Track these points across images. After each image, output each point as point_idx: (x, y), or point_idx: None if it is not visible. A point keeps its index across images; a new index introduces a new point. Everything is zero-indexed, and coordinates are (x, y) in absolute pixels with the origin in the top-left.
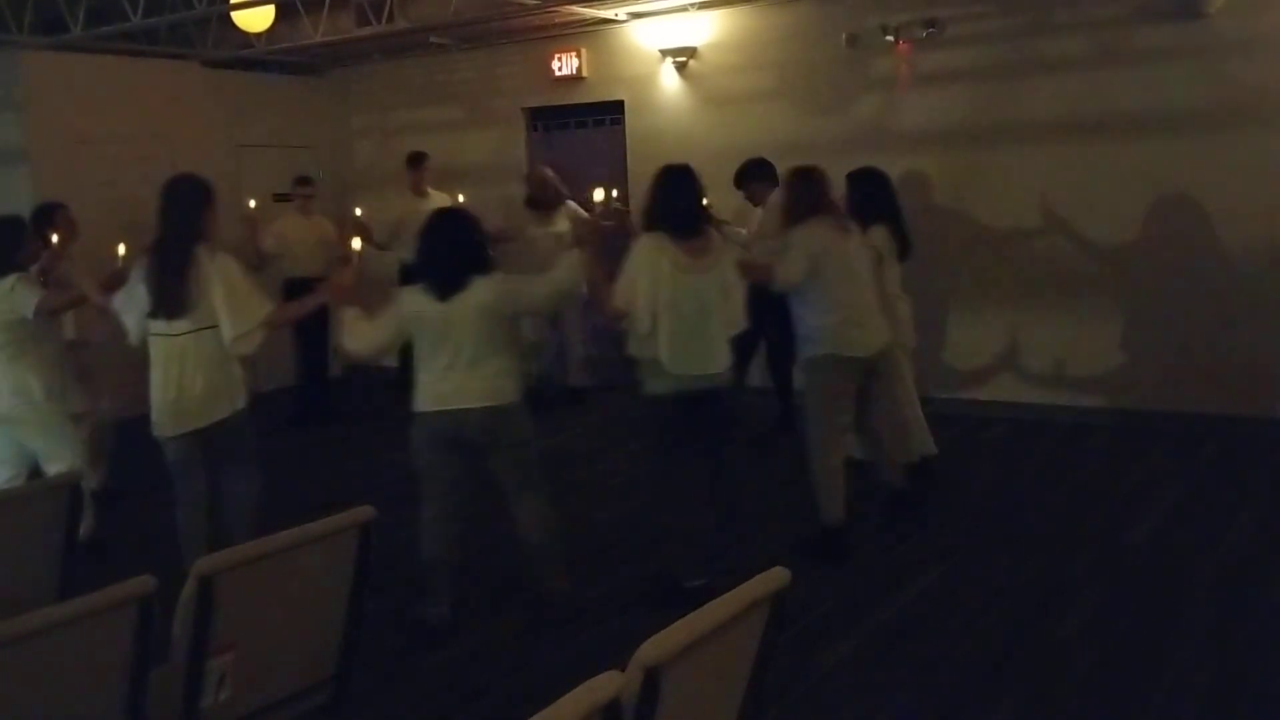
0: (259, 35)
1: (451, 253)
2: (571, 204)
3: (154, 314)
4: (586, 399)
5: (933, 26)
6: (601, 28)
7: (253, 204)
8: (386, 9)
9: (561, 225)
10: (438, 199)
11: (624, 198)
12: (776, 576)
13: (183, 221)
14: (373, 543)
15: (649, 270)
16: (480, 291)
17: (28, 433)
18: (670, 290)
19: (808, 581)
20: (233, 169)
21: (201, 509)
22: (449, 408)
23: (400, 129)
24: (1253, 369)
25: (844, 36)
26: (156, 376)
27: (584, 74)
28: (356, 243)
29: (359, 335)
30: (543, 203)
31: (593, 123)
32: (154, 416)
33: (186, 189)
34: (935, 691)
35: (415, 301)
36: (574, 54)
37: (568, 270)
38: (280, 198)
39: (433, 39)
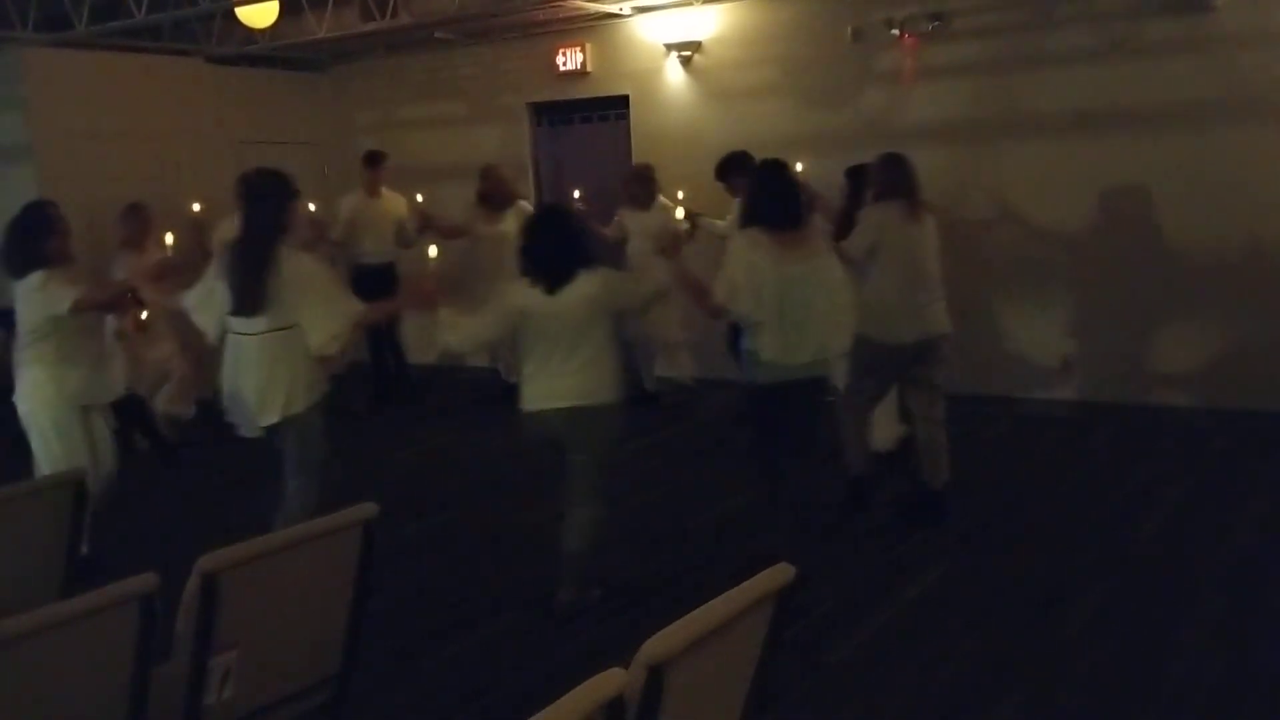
0: (263, 31)
1: (559, 247)
2: (523, 203)
3: (233, 311)
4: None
5: (938, 20)
6: (606, 22)
7: (197, 207)
8: (390, 4)
9: (510, 225)
10: (391, 200)
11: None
12: (780, 573)
13: (265, 217)
14: (376, 540)
15: (745, 266)
16: (585, 285)
17: (39, 435)
18: (772, 283)
19: (812, 578)
20: (236, 165)
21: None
22: (543, 408)
23: (404, 124)
24: (1260, 363)
25: (849, 30)
26: (229, 373)
27: (588, 69)
28: (433, 250)
29: (462, 331)
30: (495, 201)
31: (597, 118)
32: (228, 410)
33: (267, 183)
34: (939, 689)
35: (523, 295)
36: (578, 49)
37: (655, 275)
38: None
39: (437, 34)
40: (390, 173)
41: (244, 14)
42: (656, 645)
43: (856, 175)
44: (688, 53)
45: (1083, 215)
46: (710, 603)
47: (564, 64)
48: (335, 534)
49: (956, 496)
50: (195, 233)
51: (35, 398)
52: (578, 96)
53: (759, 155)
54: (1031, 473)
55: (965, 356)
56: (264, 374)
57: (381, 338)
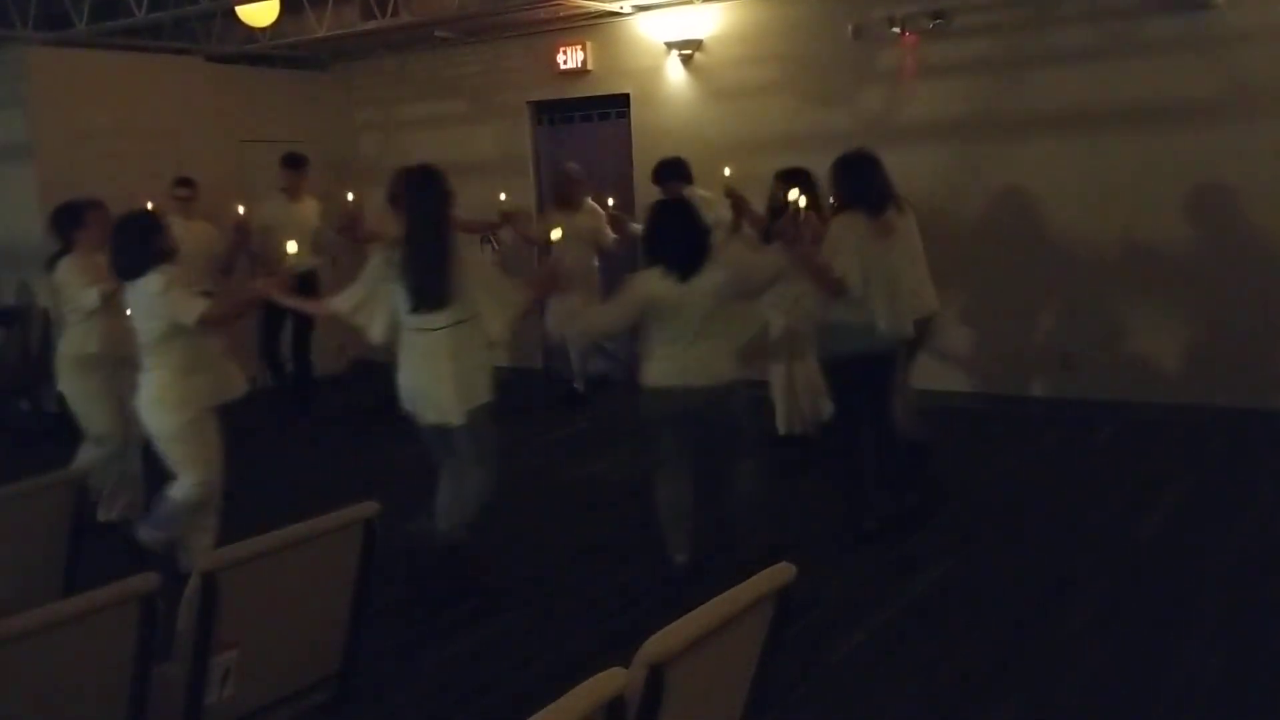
0: (263, 30)
1: (692, 238)
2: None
3: (415, 309)
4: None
5: (939, 18)
6: (607, 20)
7: (241, 210)
8: (391, 3)
9: None
10: (310, 205)
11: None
12: (781, 572)
13: (436, 213)
14: (377, 538)
15: (853, 244)
16: (713, 274)
17: (158, 440)
18: (868, 260)
19: (812, 577)
20: (236, 164)
21: (485, 487)
22: (677, 384)
23: (405, 123)
24: (1261, 361)
25: (850, 28)
26: (410, 369)
27: (589, 67)
28: (557, 233)
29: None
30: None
31: (598, 116)
32: (406, 402)
33: (433, 179)
34: (940, 688)
35: (656, 284)
36: (579, 47)
37: (775, 258)
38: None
39: (437, 33)
40: (311, 177)
41: (244, 12)
42: (657, 645)
43: (791, 179)
44: (688, 51)
45: (1084, 213)
46: (711, 602)
47: (564, 62)
48: (336, 533)
49: (957, 496)
50: (242, 234)
51: (164, 404)
52: (578, 95)
53: (761, 154)
54: (1032, 472)
55: (968, 354)
56: (454, 366)
57: (299, 343)
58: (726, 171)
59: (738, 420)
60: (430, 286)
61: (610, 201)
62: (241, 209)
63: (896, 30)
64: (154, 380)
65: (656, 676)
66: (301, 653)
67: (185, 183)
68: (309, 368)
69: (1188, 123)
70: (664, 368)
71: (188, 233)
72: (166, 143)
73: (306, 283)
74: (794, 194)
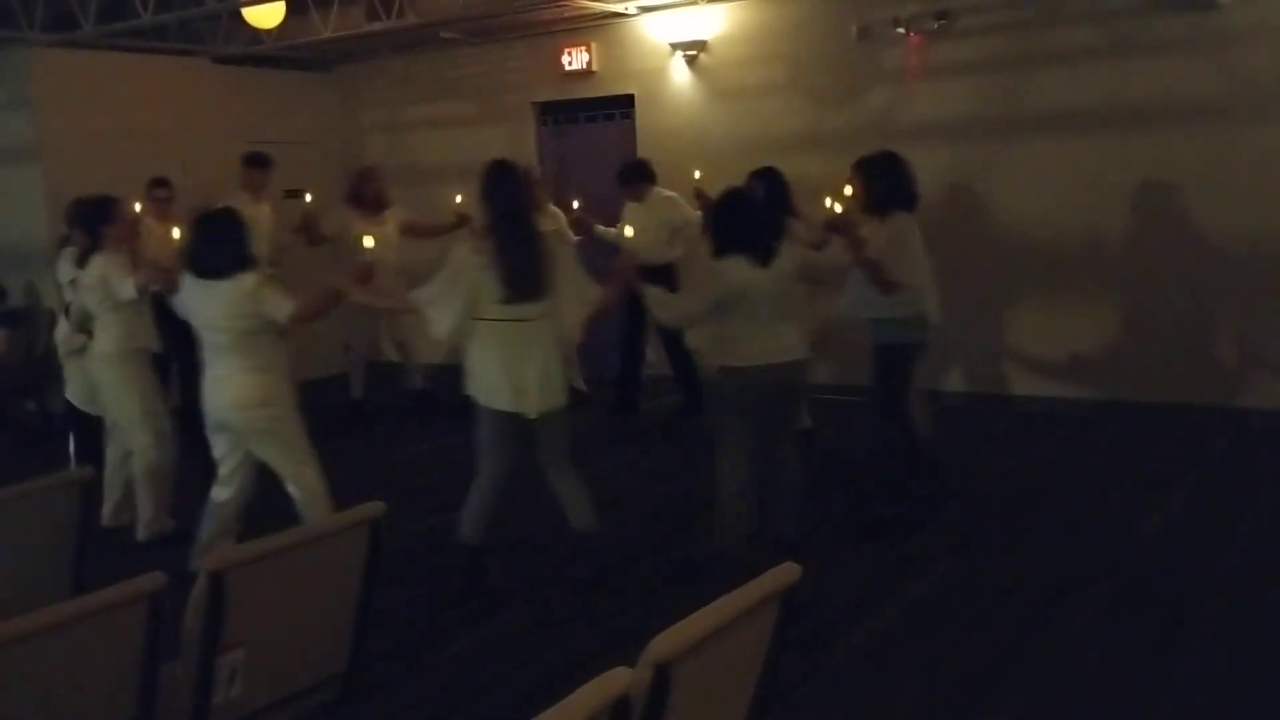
0: (269, 31)
1: (768, 222)
2: (398, 209)
3: (510, 299)
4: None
5: (944, 18)
6: (611, 21)
7: (309, 198)
8: (396, 4)
9: (389, 228)
10: (266, 208)
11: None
12: (787, 572)
13: (518, 204)
14: (382, 538)
15: (913, 243)
16: (788, 257)
17: (260, 443)
18: (917, 256)
19: (817, 577)
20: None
21: (498, 492)
22: (762, 362)
23: (410, 124)
24: (1265, 361)
25: (855, 29)
26: (497, 360)
27: (594, 68)
28: (629, 230)
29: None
30: (371, 203)
31: (603, 117)
32: (483, 388)
33: (510, 172)
34: (944, 686)
35: (743, 272)
36: (584, 48)
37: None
38: (290, 195)
39: (443, 34)
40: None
41: (250, 14)
42: (663, 644)
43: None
44: (693, 52)
45: (1089, 213)
46: (716, 601)
47: (569, 63)
48: (341, 533)
49: (960, 496)
50: (311, 223)
51: (265, 402)
52: (583, 96)
53: (765, 154)
54: (1035, 471)
55: (970, 354)
56: (544, 357)
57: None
58: (697, 175)
59: (803, 396)
60: (529, 276)
61: (575, 204)
62: (309, 196)
63: (901, 31)
64: (241, 382)
65: (662, 676)
66: (307, 652)
67: (162, 183)
68: None
69: (1193, 122)
70: (748, 348)
71: (167, 234)
72: (172, 144)
73: None
74: (847, 190)
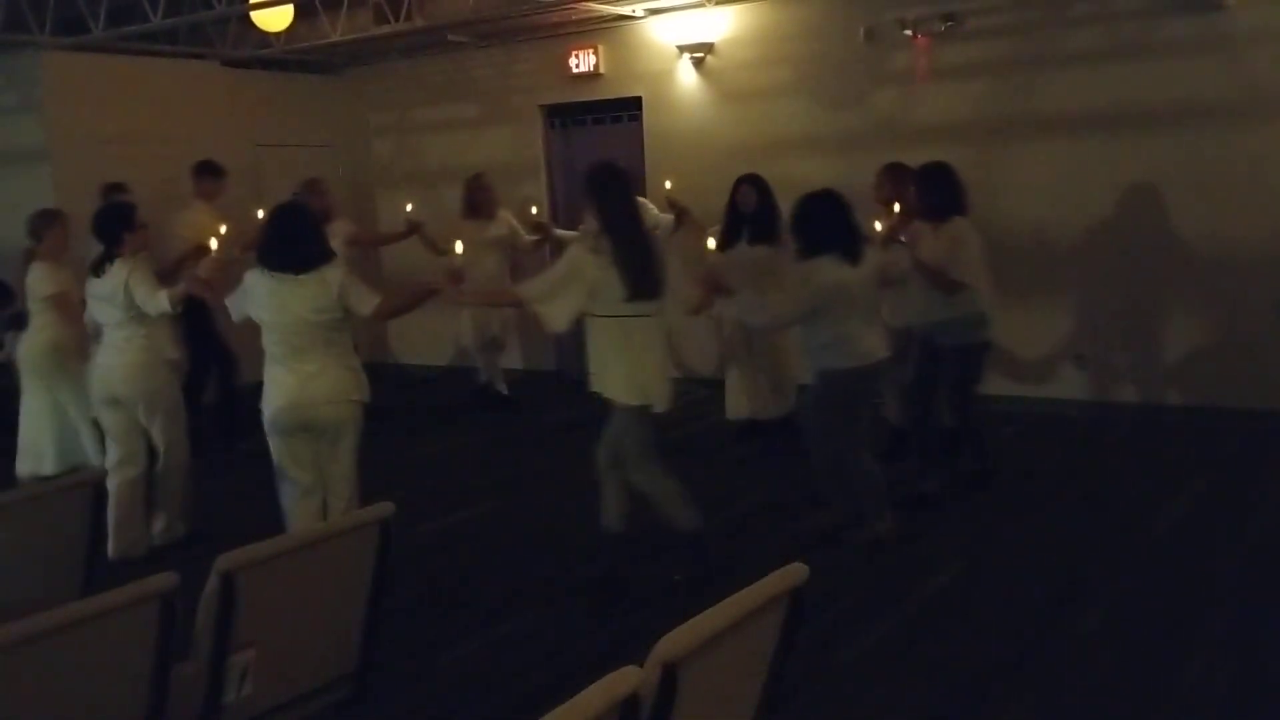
0: (278, 34)
1: (855, 222)
2: (344, 222)
3: (633, 297)
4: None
5: (951, 20)
6: (619, 24)
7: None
8: (404, 7)
9: (338, 240)
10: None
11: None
12: (794, 572)
13: (630, 204)
14: (392, 539)
15: (975, 247)
16: (872, 256)
17: (344, 436)
18: (978, 259)
19: (826, 577)
20: (252, 168)
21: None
22: (870, 362)
23: (418, 127)
24: (1275, 363)
25: (862, 31)
26: (624, 356)
27: (601, 70)
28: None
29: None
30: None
31: (610, 119)
32: (613, 385)
33: (619, 173)
34: (954, 687)
35: (837, 271)
36: (591, 50)
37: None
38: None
39: (450, 37)
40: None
41: (259, 18)
42: (671, 643)
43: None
44: (700, 54)
45: (1096, 214)
46: (724, 602)
47: (577, 66)
48: (352, 533)
49: (967, 496)
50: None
51: (355, 395)
52: (590, 98)
53: (772, 156)
54: (1043, 473)
55: None
56: (664, 351)
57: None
58: (668, 185)
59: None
60: (650, 274)
61: (534, 209)
62: (260, 212)
63: (908, 33)
64: (336, 375)
65: (670, 675)
66: (318, 652)
67: (119, 188)
68: None
69: (1200, 124)
70: (857, 348)
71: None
72: (182, 147)
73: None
74: (895, 208)
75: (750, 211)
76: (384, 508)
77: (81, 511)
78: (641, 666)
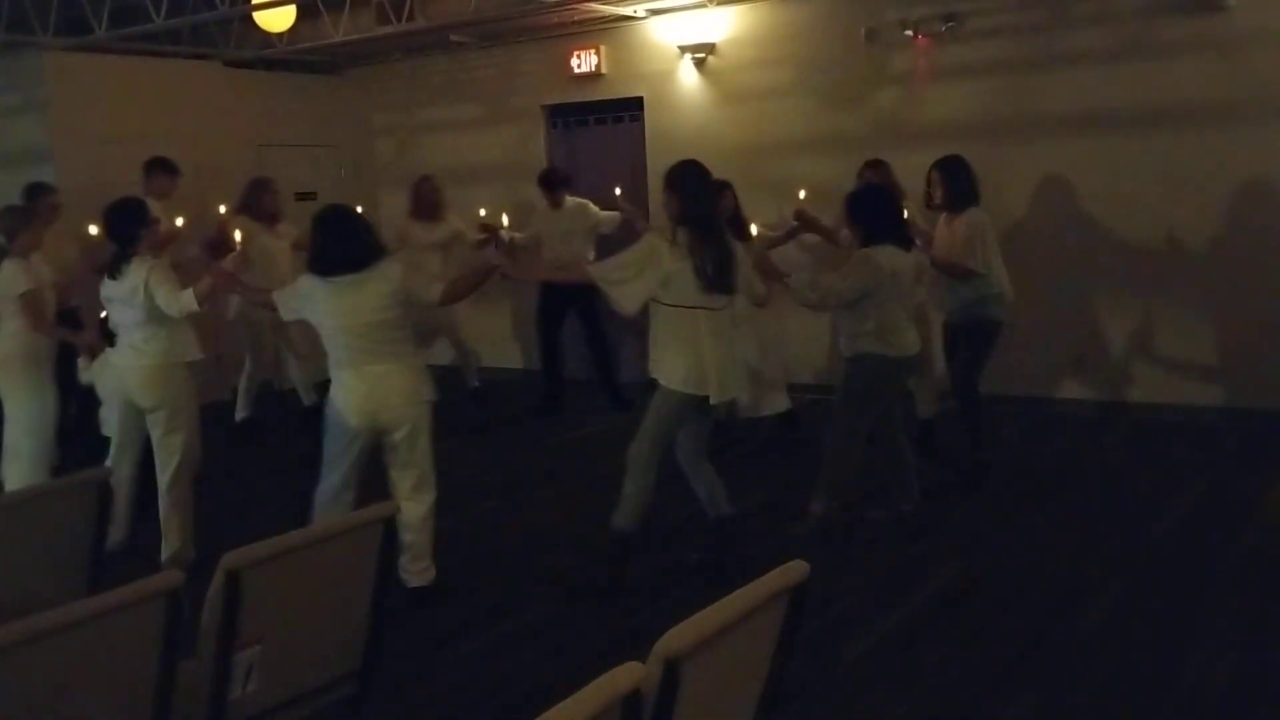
0: (280, 35)
1: (901, 212)
2: (289, 225)
3: (706, 290)
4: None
5: (952, 21)
6: (620, 24)
7: (483, 211)
8: (407, 8)
9: (285, 240)
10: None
11: (644, 194)
12: (796, 570)
13: (710, 200)
14: (397, 537)
15: (990, 234)
16: (914, 253)
17: (418, 435)
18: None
19: (827, 575)
20: (255, 168)
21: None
22: (908, 354)
23: (420, 127)
24: (1273, 362)
25: (863, 31)
26: (684, 345)
27: (603, 71)
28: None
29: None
30: (263, 215)
31: (612, 119)
32: (667, 371)
33: (700, 170)
34: (954, 686)
35: (894, 257)
36: (593, 51)
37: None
38: (302, 197)
39: (453, 37)
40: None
41: (262, 18)
42: (673, 640)
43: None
44: (702, 55)
45: (1095, 214)
46: (726, 598)
47: (578, 66)
48: (357, 531)
49: (971, 495)
50: (224, 235)
51: (426, 396)
52: (592, 99)
53: (773, 157)
54: (1045, 472)
55: None
56: (731, 346)
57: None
58: (618, 191)
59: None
60: (726, 271)
61: (482, 211)
62: (222, 208)
63: (909, 33)
64: (406, 374)
65: (672, 671)
66: (323, 649)
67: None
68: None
69: (1201, 124)
70: (898, 339)
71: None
72: (185, 147)
73: None
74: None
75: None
76: (386, 507)
77: (87, 510)
78: (643, 663)
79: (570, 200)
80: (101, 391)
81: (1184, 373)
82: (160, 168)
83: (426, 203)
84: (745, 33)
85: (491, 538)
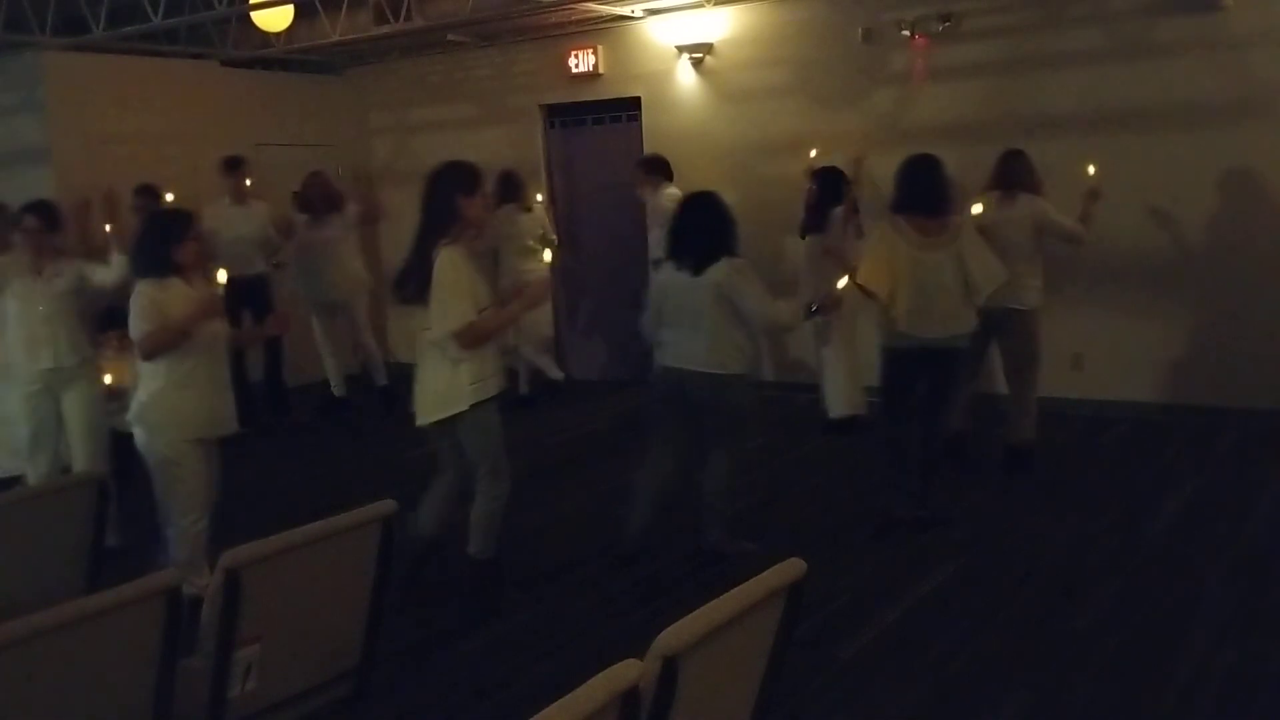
0: (278, 35)
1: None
2: (352, 207)
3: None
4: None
5: (948, 21)
6: (618, 24)
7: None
8: (404, 7)
9: (336, 228)
10: (258, 208)
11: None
12: (793, 567)
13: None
14: (395, 536)
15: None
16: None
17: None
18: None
19: (824, 573)
20: (252, 168)
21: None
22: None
23: (418, 127)
24: (1269, 362)
25: (860, 31)
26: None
27: (600, 70)
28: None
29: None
30: (319, 206)
31: (609, 119)
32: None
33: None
34: (952, 683)
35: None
36: (590, 51)
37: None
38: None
39: (450, 37)
40: (254, 179)
41: (259, 18)
42: (671, 637)
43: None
44: (699, 55)
45: (1094, 213)
46: (723, 596)
47: (576, 66)
48: (355, 530)
49: (969, 494)
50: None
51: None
52: (590, 98)
53: (771, 157)
54: (1042, 472)
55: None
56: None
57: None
58: (539, 198)
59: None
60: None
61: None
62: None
63: (906, 33)
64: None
65: (670, 669)
66: (322, 648)
67: (147, 191)
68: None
69: (1198, 124)
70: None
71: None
72: (182, 147)
73: (256, 288)
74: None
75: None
76: (386, 506)
77: (86, 508)
78: (642, 660)
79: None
80: None
81: (1181, 372)
82: (226, 167)
83: (314, 197)
84: (742, 33)
85: None
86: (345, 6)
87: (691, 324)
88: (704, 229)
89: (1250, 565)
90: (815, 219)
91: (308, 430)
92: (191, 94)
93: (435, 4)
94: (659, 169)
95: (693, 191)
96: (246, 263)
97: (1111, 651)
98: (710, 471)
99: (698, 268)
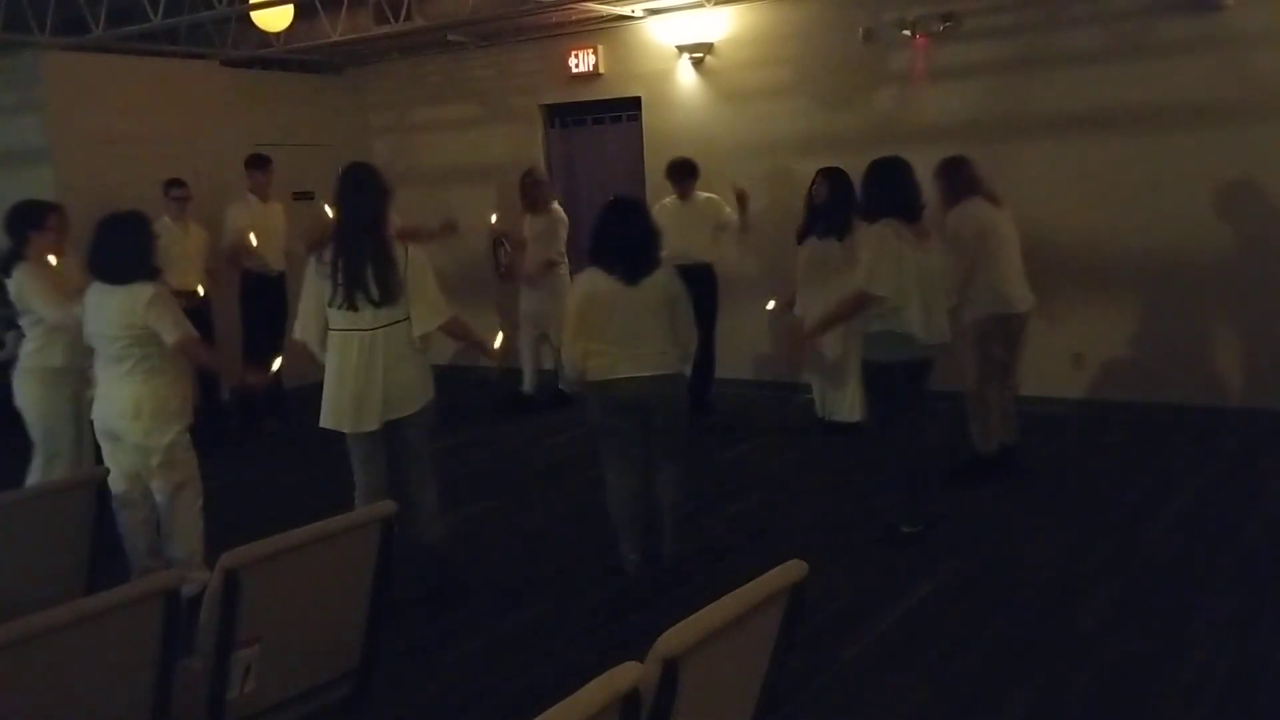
0: (278, 34)
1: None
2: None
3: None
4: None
5: (949, 20)
6: (618, 24)
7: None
8: (404, 7)
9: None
10: (276, 208)
11: (642, 194)
12: (794, 569)
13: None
14: (394, 537)
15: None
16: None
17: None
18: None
19: (825, 574)
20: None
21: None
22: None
23: (418, 127)
24: (1270, 361)
25: (861, 31)
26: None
27: (601, 70)
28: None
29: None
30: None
31: (609, 119)
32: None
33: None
34: (950, 686)
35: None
36: (591, 50)
37: None
38: (300, 196)
39: (450, 37)
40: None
41: (259, 18)
42: (671, 639)
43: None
44: (699, 54)
45: (1094, 214)
46: (724, 598)
47: (576, 66)
48: (354, 531)
49: (969, 494)
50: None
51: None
52: (590, 98)
53: (771, 157)
54: (1043, 471)
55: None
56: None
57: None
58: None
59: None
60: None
61: (493, 218)
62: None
63: (907, 33)
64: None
65: (671, 671)
66: (321, 649)
67: (178, 184)
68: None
69: (1199, 124)
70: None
71: (184, 235)
72: (182, 146)
73: (278, 286)
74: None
75: (822, 204)
76: (385, 506)
77: (85, 509)
78: (642, 662)
79: (699, 194)
80: None
81: (1182, 372)
82: (250, 164)
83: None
84: (743, 32)
85: (490, 538)
86: (345, 6)
87: (634, 331)
88: (639, 237)
89: (1252, 566)
90: (828, 221)
91: (308, 431)
92: (191, 94)
93: (435, 4)
94: (696, 172)
95: (618, 198)
96: (277, 260)
97: (1112, 652)
98: (665, 485)
99: (638, 276)
